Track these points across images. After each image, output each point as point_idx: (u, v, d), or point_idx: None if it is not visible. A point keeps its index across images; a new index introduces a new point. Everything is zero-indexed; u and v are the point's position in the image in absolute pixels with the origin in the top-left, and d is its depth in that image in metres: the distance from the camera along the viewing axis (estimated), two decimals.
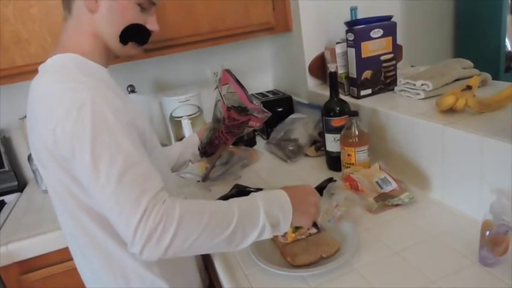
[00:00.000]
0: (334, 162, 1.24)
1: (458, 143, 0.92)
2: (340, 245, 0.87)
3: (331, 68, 1.19)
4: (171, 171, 1.12)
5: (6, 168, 1.56)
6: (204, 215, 0.68)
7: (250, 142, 1.65)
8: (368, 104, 1.25)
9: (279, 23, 1.55)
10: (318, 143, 1.43)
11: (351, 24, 1.31)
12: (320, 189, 1.07)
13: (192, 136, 1.27)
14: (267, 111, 1.10)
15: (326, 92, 1.29)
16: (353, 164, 1.15)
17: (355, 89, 1.32)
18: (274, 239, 0.92)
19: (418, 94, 1.17)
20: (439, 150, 0.98)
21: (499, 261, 0.75)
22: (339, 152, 1.20)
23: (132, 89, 1.66)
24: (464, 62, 1.24)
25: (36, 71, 0.79)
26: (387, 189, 1.04)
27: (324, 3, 1.50)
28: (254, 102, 1.07)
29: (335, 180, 1.12)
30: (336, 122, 1.21)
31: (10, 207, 1.41)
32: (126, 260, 0.80)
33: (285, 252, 0.87)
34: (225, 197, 1.15)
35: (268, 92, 1.84)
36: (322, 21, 1.52)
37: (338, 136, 1.19)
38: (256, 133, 1.71)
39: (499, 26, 1.91)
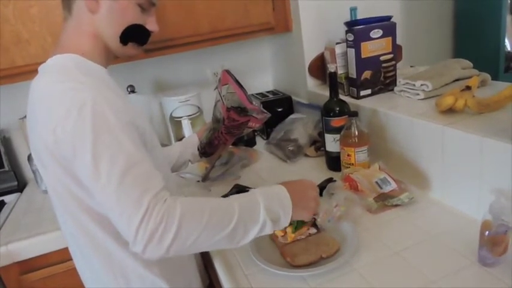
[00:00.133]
0: (334, 162, 1.25)
1: (457, 143, 0.93)
2: (340, 245, 0.87)
3: (331, 68, 1.19)
4: (171, 171, 1.12)
5: (6, 168, 1.56)
6: (205, 213, 0.68)
7: (250, 142, 1.65)
8: (368, 104, 1.25)
9: (279, 23, 1.55)
10: (318, 143, 1.43)
11: (351, 25, 1.31)
12: (320, 189, 1.07)
13: (191, 136, 1.27)
14: (266, 112, 1.10)
15: (326, 92, 1.29)
16: (353, 164, 1.15)
17: (355, 89, 1.32)
18: (274, 239, 0.92)
19: (418, 94, 1.17)
20: (438, 151, 0.98)
21: (498, 261, 0.75)
22: (339, 152, 1.20)
23: (132, 89, 1.66)
24: (463, 62, 1.24)
25: (36, 71, 0.79)
26: (387, 189, 1.04)
27: (324, 3, 1.50)
28: (253, 103, 1.07)
29: (335, 181, 1.12)
30: (336, 122, 1.21)
31: (10, 207, 1.41)
32: (126, 260, 0.80)
33: (285, 252, 0.87)
34: (225, 197, 1.14)
35: (268, 92, 1.84)
36: (322, 21, 1.52)
37: (338, 136, 1.19)
38: (256, 133, 1.71)
39: (498, 26, 1.91)
